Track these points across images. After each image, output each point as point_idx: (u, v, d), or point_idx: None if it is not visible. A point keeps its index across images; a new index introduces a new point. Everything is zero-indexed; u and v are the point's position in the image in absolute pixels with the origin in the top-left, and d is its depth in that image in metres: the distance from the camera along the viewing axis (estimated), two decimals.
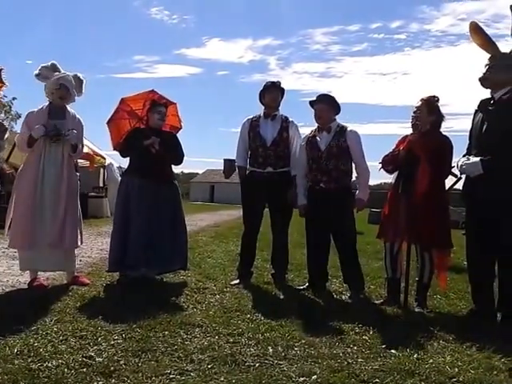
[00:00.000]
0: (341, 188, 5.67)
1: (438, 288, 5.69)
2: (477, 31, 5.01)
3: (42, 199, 5.47)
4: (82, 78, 5.81)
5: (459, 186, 5.36)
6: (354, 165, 5.78)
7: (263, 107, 6.27)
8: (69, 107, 5.75)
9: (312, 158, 5.80)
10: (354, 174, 5.81)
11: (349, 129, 5.76)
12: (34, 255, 5.56)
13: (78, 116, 5.82)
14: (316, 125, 5.83)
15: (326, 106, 5.75)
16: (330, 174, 5.67)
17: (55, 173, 5.54)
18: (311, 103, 5.82)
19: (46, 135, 5.47)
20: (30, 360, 3.26)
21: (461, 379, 3.25)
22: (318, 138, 5.79)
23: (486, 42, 4.96)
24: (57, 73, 5.61)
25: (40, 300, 4.89)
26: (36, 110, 5.63)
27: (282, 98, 6.28)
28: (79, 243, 5.87)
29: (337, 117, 5.84)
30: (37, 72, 5.61)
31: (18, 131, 6.04)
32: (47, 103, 5.67)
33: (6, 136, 5.80)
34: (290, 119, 6.25)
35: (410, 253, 5.17)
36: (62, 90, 5.59)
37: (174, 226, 6.18)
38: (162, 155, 6.00)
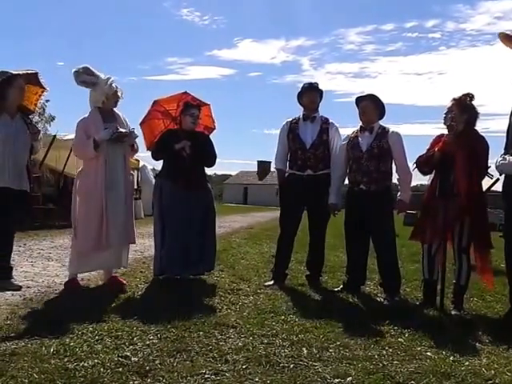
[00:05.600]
0: (381, 189, 5.64)
1: (475, 291, 5.62)
2: (506, 40, 4.97)
3: (110, 200, 5.51)
4: None
5: (497, 187, 5.28)
6: (395, 166, 5.74)
7: (302, 109, 6.22)
8: (115, 109, 5.77)
9: (353, 159, 5.77)
10: (395, 176, 5.78)
11: (391, 130, 5.72)
12: (101, 256, 5.62)
13: (124, 116, 5.87)
14: (357, 126, 5.81)
15: (371, 103, 5.73)
16: (370, 175, 5.62)
17: (119, 173, 5.64)
18: (357, 101, 5.80)
19: (111, 138, 5.47)
20: (66, 359, 3.29)
21: (497, 381, 3.23)
22: (359, 138, 5.76)
23: None
24: (95, 76, 5.56)
25: (75, 300, 4.96)
26: (87, 116, 5.60)
27: (320, 99, 6.23)
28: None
29: None
30: (82, 79, 5.51)
31: (53, 133, 6.08)
32: (92, 109, 5.63)
33: (40, 136, 5.85)
34: (330, 121, 6.18)
35: (446, 254, 5.12)
36: (118, 94, 5.66)
37: (206, 227, 6.21)
38: (194, 159, 6.03)
